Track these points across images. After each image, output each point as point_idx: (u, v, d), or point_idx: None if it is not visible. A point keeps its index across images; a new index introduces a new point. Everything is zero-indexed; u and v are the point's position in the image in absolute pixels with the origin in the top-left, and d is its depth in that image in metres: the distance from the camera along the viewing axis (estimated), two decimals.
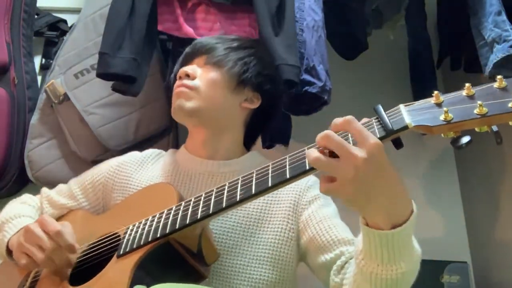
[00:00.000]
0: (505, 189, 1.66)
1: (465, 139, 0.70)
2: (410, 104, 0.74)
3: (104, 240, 0.96)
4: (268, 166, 0.81)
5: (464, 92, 0.71)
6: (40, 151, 1.62)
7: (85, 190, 1.16)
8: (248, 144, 1.19)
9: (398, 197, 0.72)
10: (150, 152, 1.21)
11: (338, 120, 0.70)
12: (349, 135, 0.72)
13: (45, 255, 0.92)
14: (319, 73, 1.32)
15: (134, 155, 1.20)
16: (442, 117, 0.69)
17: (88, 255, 0.97)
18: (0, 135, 1.57)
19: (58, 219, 1.14)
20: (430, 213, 1.89)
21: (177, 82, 1.10)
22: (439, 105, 0.71)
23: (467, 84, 0.71)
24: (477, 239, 1.83)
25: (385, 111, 0.73)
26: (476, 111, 0.68)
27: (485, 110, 0.67)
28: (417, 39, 1.72)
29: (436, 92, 0.72)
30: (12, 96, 1.62)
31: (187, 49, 1.18)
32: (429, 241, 1.82)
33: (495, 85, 0.70)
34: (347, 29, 1.67)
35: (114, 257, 0.89)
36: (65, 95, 1.62)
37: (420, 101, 0.74)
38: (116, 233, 0.95)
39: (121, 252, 0.88)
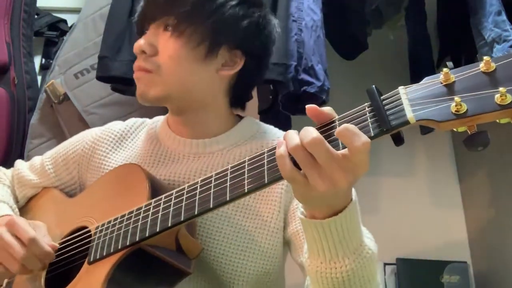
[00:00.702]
0: (505, 189, 1.66)
1: (483, 140, 0.55)
2: (411, 87, 0.59)
3: (75, 238, 0.90)
4: (244, 163, 0.69)
5: (481, 67, 0.55)
6: (40, 151, 1.62)
7: (58, 168, 1.05)
8: (239, 104, 1.01)
9: (348, 194, 0.65)
10: (132, 122, 1.08)
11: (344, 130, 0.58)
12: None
13: (19, 263, 0.83)
14: (318, 73, 1.32)
15: (113, 129, 1.05)
16: (453, 109, 0.54)
17: (61, 257, 0.90)
18: (0, 135, 1.57)
19: (33, 198, 1.07)
20: (430, 213, 1.89)
21: (135, 62, 0.91)
22: (449, 88, 0.56)
23: (485, 58, 0.55)
24: (477, 239, 1.83)
25: (381, 95, 0.61)
26: (497, 99, 0.53)
27: (509, 98, 0.52)
28: (417, 39, 1.72)
29: (445, 69, 0.57)
30: (12, 96, 1.62)
31: (142, 3, 0.93)
32: (429, 241, 1.83)
33: None
34: (347, 29, 1.67)
35: (86, 263, 0.83)
36: (65, 95, 1.62)
37: (425, 80, 0.59)
38: (87, 230, 0.88)
39: (91, 259, 0.82)
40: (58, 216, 0.98)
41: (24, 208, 1.08)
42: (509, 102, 0.52)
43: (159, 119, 1.06)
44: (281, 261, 0.95)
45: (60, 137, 1.64)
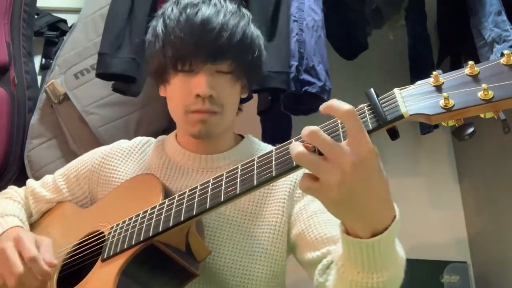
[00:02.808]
0: (505, 189, 1.66)
1: (469, 130, 0.61)
2: (405, 88, 0.66)
3: (89, 240, 0.93)
4: (254, 161, 0.75)
5: (466, 71, 0.63)
6: (40, 151, 1.62)
7: (70, 184, 1.10)
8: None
9: (382, 204, 0.65)
10: (138, 140, 1.13)
11: (310, 131, 0.61)
12: (339, 127, 0.65)
13: (15, 279, 0.86)
14: (319, 73, 1.32)
15: (120, 145, 1.12)
16: (442, 104, 0.61)
17: (74, 257, 0.93)
18: (0, 135, 1.56)
19: (47, 212, 1.11)
20: (430, 213, 1.89)
21: (199, 105, 0.94)
22: (438, 88, 0.63)
23: (470, 62, 0.63)
24: (477, 239, 1.83)
25: (378, 96, 0.66)
26: (480, 95, 0.60)
27: (490, 94, 0.59)
28: (417, 39, 1.72)
29: (435, 72, 0.64)
30: (12, 96, 1.61)
31: (187, 47, 0.93)
32: (429, 241, 1.83)
33: (503, 61, 0.61)
34: (347, 29, 1.67)
35: (99, 261, 0.86)
36: (65, 95, 1.62)
37: (417, 83, 0.66)
38: (101, 232, 0.92)
39: (105, 256, 0.85)
40: (72, 225, 1.01)
41: (39, 221, 1.11)
42: (491, 97, 0.59)
43: (164, 137, 1.12)
44: (285, 264, 0.98)
45: (60, 137, 1.64)
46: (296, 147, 0.62)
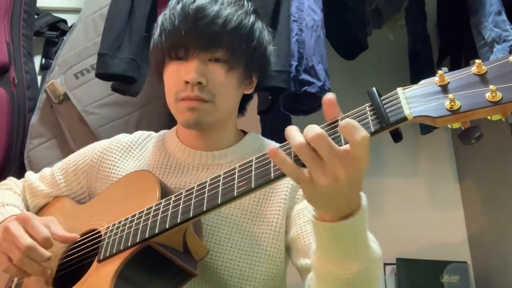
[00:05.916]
0: (505, 189, 1.66)
1: (476, 134, 0.59)
2: (409, 88, 0.63)
3: (85, 239, 0.92)
4: (252, 161, 0.73)
5: (473, 70, 0.60)
6: (40, 151, 1.62)
7: (68, 178, 1.09)
8: (241, 110, 1.10)
9: (356, 197, 0.67)
10: (139, 134, 1.12)
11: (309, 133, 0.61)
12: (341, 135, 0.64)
13: (22, 254, 0.84)
14: (318, 73, 1.32)
15: (120, 140, 1.10)
16: (447, 106, 0.59)
17: (71, 257, 0.93)
18: (0, 135, 1.56)
19: (44, 207, 1.10)
20: (430, 213, 1.89)
21: (187, 91, 0.93)
22: (444, 88, 0.60)
23: (477, 61, 0.60)
24: (477, 239, 1.83)
25: (381, 95, 0.64)
26: (488, 97, 0.57)
27: (499, 95, 0.57)
28: (417, 39, 1.72)
29: (440, 71, 0.61)
30: (12, 96, 1.61)
31: (180, 34, 0.93)
32: (429, 241, 1.83)
33: None
34: (347, 29, 1.67)
35: (95, 262, 0.85)
36: (65, 95, 1.62)
37: (421, 82, 0.63)
38: (97, 231, 0.91)
39: (101, 257, 0.84)
40: (69, 222, 1.00)
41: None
42: (499, 99, 0.57)
43: (165, 132, 1.10)
44: (284, 265, 0.97)
45: (60, 137, 1.64)
46: (297, 137, 0.61)
